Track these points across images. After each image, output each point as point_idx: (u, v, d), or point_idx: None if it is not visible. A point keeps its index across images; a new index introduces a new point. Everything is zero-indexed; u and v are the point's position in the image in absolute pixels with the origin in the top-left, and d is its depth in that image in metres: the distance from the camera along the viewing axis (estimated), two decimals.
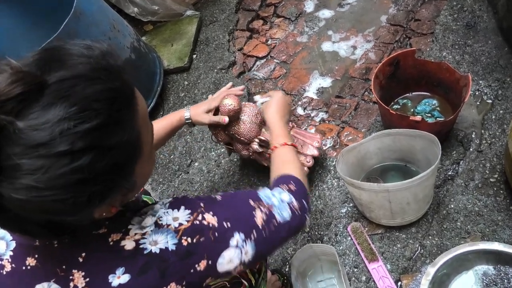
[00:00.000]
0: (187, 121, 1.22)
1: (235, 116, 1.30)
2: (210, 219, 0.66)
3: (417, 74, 1.52)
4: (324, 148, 1.63)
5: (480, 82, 1.59)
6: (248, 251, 0.67)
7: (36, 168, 0.47)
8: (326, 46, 2.02)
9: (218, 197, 0.72)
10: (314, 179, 1.53)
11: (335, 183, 1.50)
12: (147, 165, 0.61)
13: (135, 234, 0.61)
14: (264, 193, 0.77)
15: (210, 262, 0.63)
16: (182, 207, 0.66)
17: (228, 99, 1.26)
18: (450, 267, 1.08)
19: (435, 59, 1.70)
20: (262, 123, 1.35)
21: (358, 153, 1.38)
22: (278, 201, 0.76)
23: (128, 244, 0.60)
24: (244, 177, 1.62)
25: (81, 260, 0.59)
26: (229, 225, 0.67)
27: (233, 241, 0.66)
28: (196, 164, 1.74)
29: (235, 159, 1.69)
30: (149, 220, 0.63)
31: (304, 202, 0.80)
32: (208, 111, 1.24)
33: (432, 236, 1.29)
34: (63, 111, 0.47)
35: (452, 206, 1.34)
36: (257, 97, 1.32)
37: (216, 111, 1.28)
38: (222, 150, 1.74)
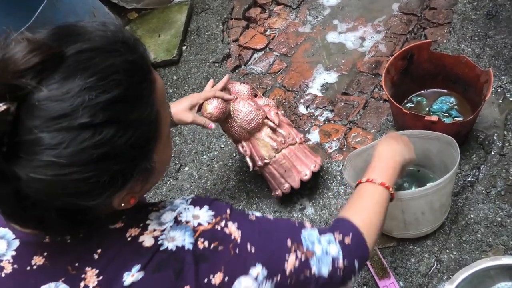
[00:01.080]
0: None
1: (220, 119, 1.31)
2: (234, 231, 0.66)
3: (433, 69, 1.52)
4: (330, 151, 1.62)
5: (503, 78, 1.59)
6: None
7: (57, 142, 0.49)
8: (332, 37, 2.02)
9: (253, 217, 0.70)
10: (318, 185, 1.52)
11: (342, 191, 1.49)
12: (165, 150, 0.64)
13: (154, 230, 0.63)
14: (308, 234, 0.71)
15: (226, 279, 0.63)
16: (206, 207, 0.67)
17: (210, 105, 1.25)
18: (469, 284, 1.07)
19: (453, 52, 1.70)
20: (257, 127, 1.36)
21: (368, 157, 1.37)
22: (321, 252, 0.70)
23: (147, 241, 0.61)
24: (240, 183, 1.61)
25: (96, 256, 0.60)
26: (253, 251, 0.65)
27: (253, 271, 0.64)
28: (186, 169, 1.73)
29: (230, 163, 1.68)
30: (168, 216, 0.65)
31: (356, 264, 0.73)
32: (191, 107, 1.23)
33: (450, 249, 1.29)
34: (83, 81, 0.50)
35: (471, 216, 1.33)
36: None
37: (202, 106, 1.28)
38: (216, 153, 1.73)
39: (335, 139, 1.65)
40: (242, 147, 1.38)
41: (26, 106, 0.49)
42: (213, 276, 0.62)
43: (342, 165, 1.49)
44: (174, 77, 2.10)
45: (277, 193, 1.45)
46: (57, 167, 0.49)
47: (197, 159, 1.75)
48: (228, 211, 0.68)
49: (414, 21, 1.92)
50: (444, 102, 1.54)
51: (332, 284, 0.71)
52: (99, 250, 0.60)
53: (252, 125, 1.34)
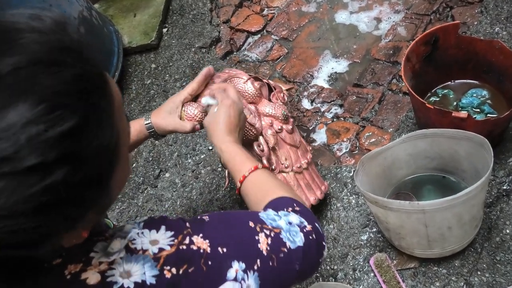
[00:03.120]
0: (150, 131, 1.19)
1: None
2: (201, 243, 0.67)
3: (462, 56, 1.53)
4: (339, 154, 1.63)
5: None
6: (251, 285, 0.68)
7: None
8: (341, 18, 2.03)
9: (206, 218, 0.73)
10: (325, 195, 1.53)
11: (353, 201, 1.50)
12: (124, 171, 0.63)
13: (100, 263, 0.61)
14: (266, 214, 0.79)
15: None
16: (163, 227, 0.67)
17: (190, 106, 1.22)
18: None
19: (485, 36, 1.72)
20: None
21: (384, 160, 1.38)
22: (285, 224, 0.78)
23: (92, 277, 0.60)
24: (233, 192, 1.62)
25: None
26: (225, 251, 0.68)
27: (231, 273, 0.67)
28: (167, 175, 1.74)
29: (220, 168, 1.68)
30: (117, 244, 0.64)
31: (317, 226, 0.82)
32: (171, 113, 1.20)
33: (482, 271, 1.30)
34: (29, 111, 0.47)
35: (507, 231, 1.34)
36: (205, 99, 1.20)
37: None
38: (202, 156, 1.74)
39: (345, 139, 1.67)
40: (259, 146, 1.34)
41: None
42: None
43: (354, 171, 1.49)
44: (153, 66, 2.10)
45: None
46: None
47: (180, 164, 1.75)
48: (188, 224, 0.69)
49: None
50: (474, 95, 1.55)
51: (314, 254, 0.79)
52: None
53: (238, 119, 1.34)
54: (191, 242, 0.66)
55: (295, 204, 0.85)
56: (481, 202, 1.26)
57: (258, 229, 0.74)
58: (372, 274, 1.36)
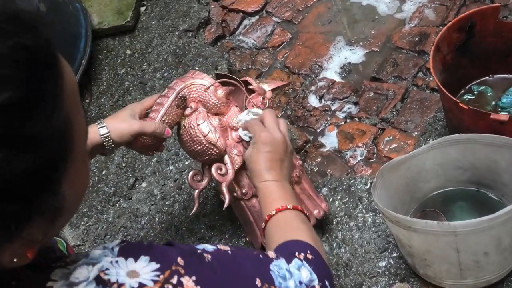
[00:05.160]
0: (103, 135, 1.19)
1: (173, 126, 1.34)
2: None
3: (502, 45, 1.53)
4: (353, 162, 1.63)
5: None
6: None
7: None
8: None
9: (207, 255, 0.73)
10: (336, 212, 1.53)
11: (369, 219, 1.50)
12: (80, 176, 0.62)
13: None
14: (277, 267, 0.84)
15: None
16: (144, 258, 0.66)
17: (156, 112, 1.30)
18: None
19: None
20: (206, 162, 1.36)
21: (407, 171, 1.38)
22: (294, 285, 0.84)
23: None
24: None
25: None
26: None
27: None
28: (144, 184, 1.73)
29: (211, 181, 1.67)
30: (82, 272, 0.63)
31: (327, 284, 0.90)
32: (133, 116, 1.23)
33: None
34: None
35: None
36: (239, 133, 1.33)
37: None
38: (187, 162, 1.73)
39: (360, 144, 1.66)
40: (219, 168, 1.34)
41: None
42: None
43: (371, 183, 1.49)
44: (128, 52, 2.09)
45: (247, 238, 1.49)
46: None
47: (160, 171, 1.74)
48: (180, 259, 0.68)
49: None
50: None
51: None
52: None
53: (197, 158, 1.36)
54: (179, 283, 0.65)
55: (308, 251, 0.91)
56: None
57: None
58: None
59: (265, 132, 1.15)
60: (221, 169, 1.31)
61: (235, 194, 1.38)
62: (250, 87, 1.39)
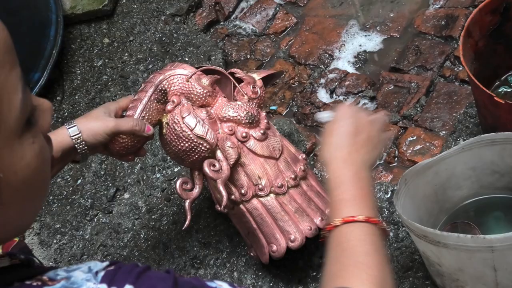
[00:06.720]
0: (76, 141, 1.19)
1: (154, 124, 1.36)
2: None
3: None
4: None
5: None
6: None
7: None
8: None
9: None
10: None
11: (391, 234, 1.50)
12: (16, 154, 0.57)
13: None
14: None
15: None
16: (130, 286, 0.65)
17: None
18: None
19: None
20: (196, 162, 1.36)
21: (435, 177, 1.38)
22: None
23: None
24: (219, 221, 1.61)
25: None
26: None
27: None
28: (126, 196, 1.73)
29: (204, 190, 1.67)
30: None
31: None
32: (108, 113, 1.26)
33: None
34: None
35: None
36: (321, 114, 1.27)
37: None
38: (176, 169, 1.73)
39: None
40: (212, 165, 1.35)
41: None
42: None
43: (393, 191, 1.49)
44: (106, 40, 2.09)
45: (251, 254, 1.48)
46: None
47: (144, 180, 1.74)
48: None
49: None
50: None
51: None
52: None
53: (186, 160, 1.35)
54: None
55: None
56: None
57: None
58: None
59: (349, 110, 1.12)
60: (214, 165, 1.31)
61: (232, 197, 1.36)
62: (237, 75, 1.41)
